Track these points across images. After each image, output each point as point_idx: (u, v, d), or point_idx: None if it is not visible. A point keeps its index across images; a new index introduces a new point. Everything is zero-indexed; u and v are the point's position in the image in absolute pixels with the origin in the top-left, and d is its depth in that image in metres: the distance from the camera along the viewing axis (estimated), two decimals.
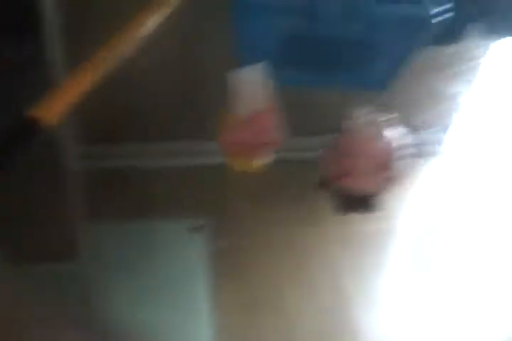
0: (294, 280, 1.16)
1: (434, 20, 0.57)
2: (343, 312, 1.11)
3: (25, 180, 0.69)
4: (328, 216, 1.27)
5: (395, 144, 0.29)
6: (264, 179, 1.24)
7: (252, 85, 0.21)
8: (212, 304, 1.08)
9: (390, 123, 0.36)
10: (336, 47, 0.57)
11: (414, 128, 1.46)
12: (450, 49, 0.94)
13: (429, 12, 0.57)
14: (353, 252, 1.24)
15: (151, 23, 0.42)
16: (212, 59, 1.06)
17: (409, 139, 0.44)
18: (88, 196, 0.97)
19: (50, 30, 0.55)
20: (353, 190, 0.40)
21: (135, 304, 1.06)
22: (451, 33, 0.64)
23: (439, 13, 0.59)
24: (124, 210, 1.24)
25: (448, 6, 0.61)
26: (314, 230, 1.28)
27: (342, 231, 1.27)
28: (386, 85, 0.66)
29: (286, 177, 1.30)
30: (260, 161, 0.23)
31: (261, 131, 0.21)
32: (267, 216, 1.28)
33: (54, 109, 0.33)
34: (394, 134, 0.29)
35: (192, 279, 1.13)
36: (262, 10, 0.53)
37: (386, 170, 0.37)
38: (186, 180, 1.35)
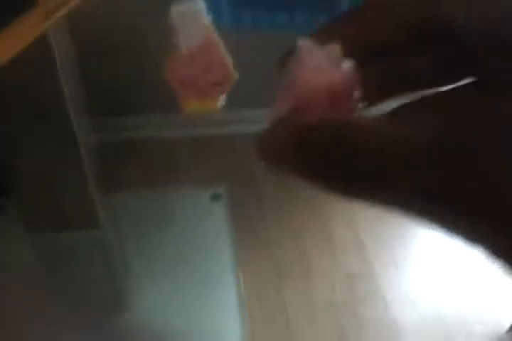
0: (318, 247, 1.16)
1: None
2: (369, 279, 1.10)
3: (45, 154, 0.69)
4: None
5: (352, 78, 0.26)
6: None
7: (191, 17, 0.19)
8: (235, 272, 1.08)
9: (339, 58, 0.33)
10: None
11: None
12: None
13: None
14: (377, 217, 1.22)
15: None
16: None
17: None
18: (107, 166, 0.97)
19: None
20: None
21: (156, 272, 1.07)
22: None
23: None
24: (144, 180, 1.24)
25: None
26: (338, 198, 1.26)
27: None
28: None
29: None
30: (213, 101, 0.21)
31: (208, 67, 0.19)
32: (288, 182, 1.27)
33: (7, 47, 0.33)
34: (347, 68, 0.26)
35: (213, 247, 1.13)
36: None
37: (344, 104, 0.33)
38: (205, 149, 1.34)
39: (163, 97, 1.32)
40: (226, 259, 1.10)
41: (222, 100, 0.22)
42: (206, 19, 0.20)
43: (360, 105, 0.18)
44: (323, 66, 0.17)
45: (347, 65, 0.17)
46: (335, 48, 0.17)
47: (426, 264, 1.13)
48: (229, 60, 0.20)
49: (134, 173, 1.26)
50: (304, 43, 0.18)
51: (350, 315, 1.03)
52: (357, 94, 0.17)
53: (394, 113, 0.18)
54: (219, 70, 0.20)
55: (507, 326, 1.01)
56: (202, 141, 1.34)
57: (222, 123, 1.33)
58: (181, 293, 1.03)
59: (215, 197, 1.22)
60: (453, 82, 0.19)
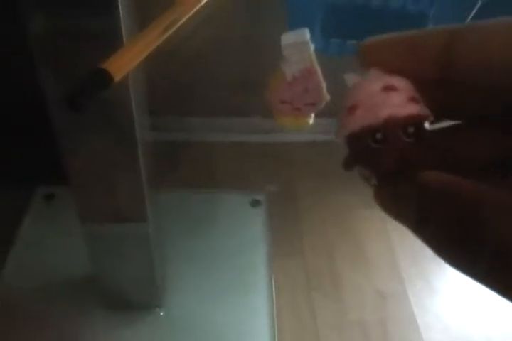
0: (351, 262, 1.16)
1: None
2: (400, 298, 1.10)
3: (103, 147, 0.72)
4: None
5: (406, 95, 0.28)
6: (326, 157, 1.24)
7: (297, 47, 0.22)
8: (269, 277, 1.10)
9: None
10: (381, 19, 0.57)
11: None
12: None
13: None
14: (412, 236, 1.22)
15: None
16: (270, 37, 1.07)
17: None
18: (156, 165, 1.01)
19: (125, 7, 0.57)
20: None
21: (192, 271, 1.09)
22: None
23: None
24: (190, 180, 1.27)
25: None
26: (374, 212, 1.27)
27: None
28: None
29: None
30: (306, 120, 0.24)
31: (306, 89, 0.22)
32: (326, 194, 1.28)
33: (122, 64, 0.36)
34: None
35: (249, 251, 1.15)
36: None
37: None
38: (250, 155, 1.36)
39: (215, 102, 1.36)
40: (260, 264, 1.12)
41: (312, 118, 0.25)
42: (311, 48, 0.23)
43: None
44: (371, 92, 0.19)
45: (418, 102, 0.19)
46: (376, 71, 0.20)
47: (459, 286, 1.12)
48: (324, 84, 0.23)
49: (181, 173, 1.29)
50: (373, 72, 0.20)
51: (379, 333, 1.03)
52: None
53: None
54: (315, 93, 0.23)
55: None
56: (247, 147, 1.37)
57: (269, 131, 1.35)
58: (214, 294, 1.06)
59: (255, 203, 1.24)
60: None
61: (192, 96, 1.36)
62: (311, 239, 1.19)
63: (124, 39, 0.59)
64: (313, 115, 0.25)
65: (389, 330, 1.04)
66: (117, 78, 0.33)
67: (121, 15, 0.57)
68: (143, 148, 0.74)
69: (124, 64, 0.34)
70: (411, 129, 0.18)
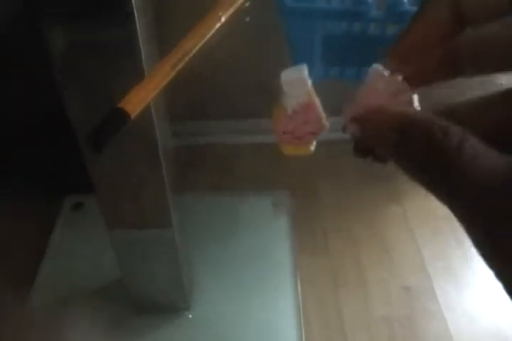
0: (376, 258, 1.17)
1: None
2: (426, 293, 1.10)
3: (124, 156, 0.74)
4: (410, 195, 1.26)
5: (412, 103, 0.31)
6: (346, 155, 1.25)
7: (296, 83, 0.24)
8: (295, 277, 1.11)
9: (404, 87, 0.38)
10: (378, 45, 0.60)
11: None
12: None
13: None
14: (436, 231, 1.22)
15: (225, 17, 0.45)
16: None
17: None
18: (177, 170, 1.03)
19: (142, 18, 0.59)
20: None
21: (218, 273, 1.11)
22: None
23: None
24: (211, 184, 1.29)
25: None
26: (397, 207, 1.27)
27: (425, 210, 1.25)
28: None
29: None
30: (307, 147, 0.27)
31: (306, 121, 0.24)
32: (347, 192, 1.29)
33: (139, 101, 0.38)
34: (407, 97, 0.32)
35: (274, 252, 1.16)
36: (304, 15, 0.59)
37: None
38: (271, 156, 1.38)
39: (232, 104, 1.38)
40: (286, 264, 1.13)
41: (313, 145, 0.27)
42: (309, 83, 0.26)
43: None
44: (383, 93, 0.22)
45: (404, 98, 0.22)
46: (398, 79, 0.22)
47: (485, 280, 1.11)
48: (323, 115, 0.26)
49: (203, 177, 1.32)
50: (375, 69, 0.23)
51: (406, 329, 1.03)
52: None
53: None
54: (314, 124, 0.26)
55: None
56: (268, 147, 1.39)
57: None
58: (241, 295, 1.08)
59: (278, 204, 1.26)
60: None
61: (210, 99, 1.38)
62: (335, 237, 1.20)
63: (142, 50, 0.61)
64: (314, 142, 0.27)
65: (416, 326, 1.04)
66: (133, 115, 0.36)
67: (137, 26, 0.59)
68: (165, 156, 0.76)
69: (141, 100, 0.36)
70: None
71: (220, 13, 0.42)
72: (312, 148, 0.27)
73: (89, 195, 1.15)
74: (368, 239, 1.20)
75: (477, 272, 1.13)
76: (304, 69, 0.26)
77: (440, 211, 1.23)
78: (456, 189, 0.18)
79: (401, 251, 1.17)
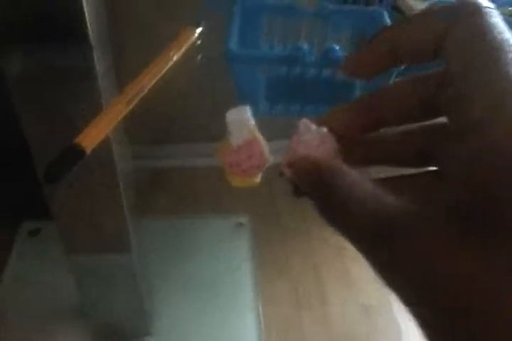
0: (337, 277, 1.19)
1: None
2: (386, 312, 1.13)
3: (82, 182, 0.74)
4: None
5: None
6: None
7: (240, 122, 0.27)
8: (257, 299, 1.12)
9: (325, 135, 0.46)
10: (318, 86, 0.68)
11: None
12: None
13: None
14: None
15: (177, 56, 0.47)
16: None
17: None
18: (137, 194, 1.03)
19: (97, 41, 0.61)
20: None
21: (179, 298, 1.11)
22: None
23: None
24: (171, 208, 1.29)
25: None
26: None
27: None
28: None
29: None
30: (253, 179, 0.30)
31: (250, 156, 0.27)
32: (307, 213, 1.31)
33: (94, 137, 0.40)
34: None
35: (235, 275, 1.17)
36: (248, 61, 0.66)
37: None
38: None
39: (192, 127, 1.39)
40: (247, 286, 1.14)
41: (259, 177, 0.30)
42: (252, 122, 0.28)
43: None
44: (311, 143, 0.25)
45: (330, 145, 0.25)
46: (323, 130, 0.26)
47: None
48: (267, 149, 0.28)
49: (162, 201, 1.32)
50: (302, 123, 0.26)
51: None
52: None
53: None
54: (258, 158, 0.28)
55: None
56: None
57: None
58: (203, 318, 1.07)
59: (239, 226, 1.27)
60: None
61: (170, 123, 1.39)
62: (297, 259, 1.22)
63: (98, 75, 0.62)
64: (260, 175, 0.30)
65: (373, 338, 1.06)
66: (89, 151, 0.37)
67: (94, 53, 0.60)
68: (124, 180, 0.77)
69: (96, 136, 0.38)
70: None
71: (171, 53, 0.44)
72: (257, 180, 0.30)
73: (46, 220, 1.13)
74: (328, 259, 1.22)
75: None
76: (247, 110, 0.28)
77: None
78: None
79: (361, 270, 1.19)
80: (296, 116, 0.71)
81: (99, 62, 0.61)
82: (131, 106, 0.39)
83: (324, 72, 0.66)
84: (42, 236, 1.21)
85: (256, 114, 0.28)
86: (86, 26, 0.56)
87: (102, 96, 0.63)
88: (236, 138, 0.28)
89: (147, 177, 1.36)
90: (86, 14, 0.55)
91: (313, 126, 0.26)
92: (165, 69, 0.42)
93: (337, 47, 0.64)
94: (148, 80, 0.41)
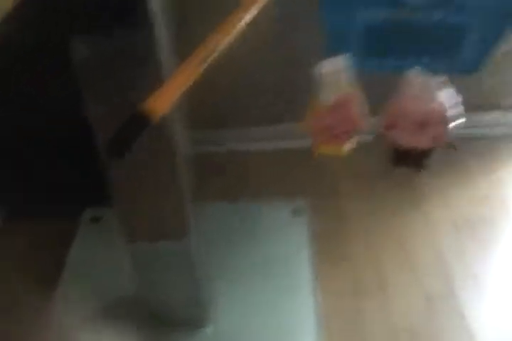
0: (398, 265, 1.15)
1: None
2: (449, 300, 1.08)
3: (140, 165, 0.74)
4: (433, 198, 1.24)
5: (444, 107, 0.33)
6: (366, 160, 1.23)
7: (335, 75, 0.24)
8: (315, 287, 1.09)
9: (441, 86, 0.38)
10: (422, 33, 0.57)
11: (504, 110, 1.38)
12: None
13: None
14: (460, 236, 1.19)
15: (249, 14, 0.44)
16: (307, 47, 1.07)
17: (458, 100, 0.45)
18: (195, 179, 1.03)
19: (159, 24, 0.60)
20: (399, 144, 0.43)
21: (237, 285, 1.10)
22: None
23: None
24: (228, 192, 1.29)
25: None
26: (419, 213, 1.25)
27: (448, 214, 1.23)
28: (478, 68, 0.64)
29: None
30: (345, 146, 0.26)
31: (344, 118, 0.24)
32: (369, 198, 1.27)
33: (162, 103, 0.37)
34: (444, 96, 0.33)
35: (293, 260, 1.15)
36: (344, 2, 0.56)
37: (433, 129, 0.41)
38: (288, 162, 1.37)
39: (250, 111, 1.37)
40: (305, 273, 1.12)
41: (349, 146, 0.26)
42: (348, 76, 0.24)
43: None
44: (420, 96, 0.22)
45: (440, 98, 0.21)
46: (433, 81, 0.22)
47: (509, 287, 1.09)
48: (361, 113, 0.25)
49: (222, 185, 1.31)
50: (410, 75, 0.22)
51: (428, 337, 1.01)
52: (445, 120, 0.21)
53: None
54: (351, 122, 0.25)
55: None
56: (286, 154, 1.37)
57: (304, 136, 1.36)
58: (260, 307, 1.06)
59: (297, 211, 1.24)
60: None
61: (229, 107, 1.38)
62: (357, 245, 1.18)
63: (161, 57, 0.61)
64: (350, 142, 0.26)
65: (438, 334, 1.02)
66: (155, 120, 0.34)
67: (155, 31, 0.59)
68: (184, 164, 0.76)
69: (163, 103, 0.35)
70: None
71: (241, 13, 0.42)
72: (346, 148, 0.27)
73: (106, 208, 1.15)
74: (390, 246, 1.18)
75: (500, 278, 1.11)
76: (343, 60, 0.25)
77: (462, 216, 1.21)
78: None
79: (424, 258, 1.15)
80: (394, 70, 0.62)
81: (160, 42, 0.60)
82: (202, 69, 0.37)
83: (435, 14, 0.54)
84: (103, 224, 1.24)
85: (352, 67, 0.25)
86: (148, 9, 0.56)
87: (163, 77, 0.63)
88: (329, 95, 0.25)
89: (207, 162, 1.36)
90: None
91: (421, 78, 0.22)
92: (237, 29, 0.40)
93: None
94: (220, 40, 0.39)
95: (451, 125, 0.47)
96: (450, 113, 0.42)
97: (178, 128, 0.72)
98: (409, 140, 0.46)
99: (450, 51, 0.59)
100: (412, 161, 0.50)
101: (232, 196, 1.29)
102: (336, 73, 0.23)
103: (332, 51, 0.58)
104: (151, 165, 0.74)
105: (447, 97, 0.21)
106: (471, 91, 0.82)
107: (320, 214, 1.24)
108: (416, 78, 0.20)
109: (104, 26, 0.57)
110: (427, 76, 0.20)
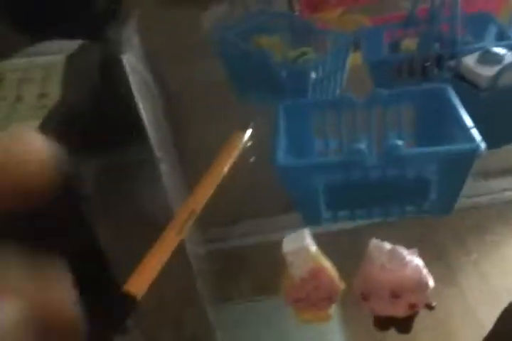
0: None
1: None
2: None
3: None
4: (464, 273, 1.19)
5: (417, 274, 0.34)
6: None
7: (300, 251, 0.24)
8: None
9: (409, 254, 0.40)
10: (384, 187, 0.59)
11: None
12: None
13: (478, 144, 0.54)
14: (498, 307, 1.12)
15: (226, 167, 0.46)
16: None
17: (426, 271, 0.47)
18: (215, 278, 1.00)
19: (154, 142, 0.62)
20: (377, 313, 0.44)
21: None
22: None
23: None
24: (250, 289, 1.24)
25: None
26: (453, 290, 1.19)
27: (484, 287, 1.17)
28: (449, 211, 0.64)
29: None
30: (325, 313, 0.27)
31: (319, 287, 0.24)
32: None
33: (145, 283, 0.38)
34: (413, 266, 0.34)
35: None
36: (302, 171, 0.59)
37: (407, 297, 0.41)
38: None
39: (260, 203, 1.36)
40: None
41: (332, 310, 0.26)
42: (314, 248, 0.24)
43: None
44: (389, 266, 0.21)
45: (413, 264, 0.21)
46: (401, 249, 0.22)
47: None
48: (335, 276, 0.24)
49: (240, 282, 1.27)
50: (374, 243, 0.22)
51: None
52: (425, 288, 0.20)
53: None
54: (327, 287, 0.24)
55: None
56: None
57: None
58: None
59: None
60: None
61: (239, 200, 1.38)
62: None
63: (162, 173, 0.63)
64: (333, 306, 0.26)
65: None
66: (139, 297, 0.35)
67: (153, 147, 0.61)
68: (197, 265, 0.74)
69: (145, 280, 0.36)
70: None
71: (222, 167, 0.42)
72: (331, 312, 0.26)
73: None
74: (429, 327, 1.11)
75: None
76: (306, 235, 0.25)
77: (499, 285, 1.14)
78: None
79: (465, 334, 1.07)
80: (364, 220, 0.63)
81: (162, 163, 0.62)
82: (184, 233, 0.37)
83: (390, 171, 0.57)
84: (131, 336, 1.19)
85: (319, 223, 0.25)
86: (147, 135, 0.59)
87: (166, 190, 0.64)
88: (298, 270, 0.25)
89: (223, 260, 1.33)
90: (146, 125, 0.57)
91: (386, 246, 0.22)
92: (215, 185, 0.41)
93: (400, 143, 0.55)
94: (199, 202, 0.40)
95: (426, 291, 0.47)
96: (423, 279, 0.43)
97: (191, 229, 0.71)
98: (386, 309, 0.46)
99: (417, 199, 0.62)
100: (396, 326, 0.50)
101: (257, 292, 1.24)
102: (300, 249, 0.23)
103: (300, 209, 0.57)
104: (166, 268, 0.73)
105: (417, 265, 0.21)
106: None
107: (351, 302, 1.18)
108: (380, 248, 0.20)
109: (108, 147, 0.59)
110: (391, 245, 0.21)
